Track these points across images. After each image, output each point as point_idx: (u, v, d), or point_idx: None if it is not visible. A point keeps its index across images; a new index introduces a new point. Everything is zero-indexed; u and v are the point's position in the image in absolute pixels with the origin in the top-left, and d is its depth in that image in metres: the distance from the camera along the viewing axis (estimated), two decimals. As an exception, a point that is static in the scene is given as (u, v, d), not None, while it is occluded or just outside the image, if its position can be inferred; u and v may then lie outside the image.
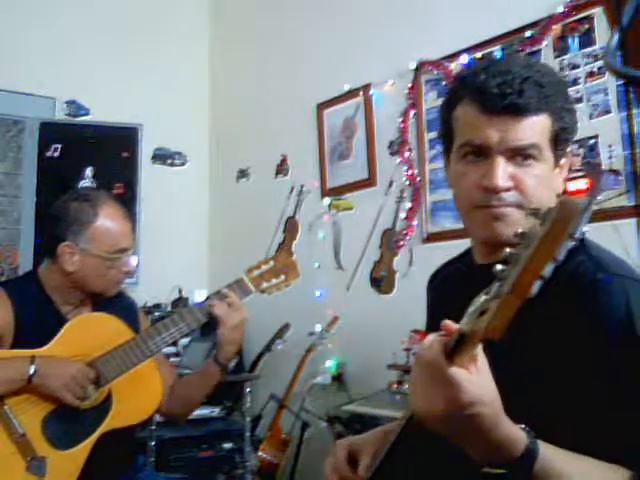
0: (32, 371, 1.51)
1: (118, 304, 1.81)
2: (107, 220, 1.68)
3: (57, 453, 1.54)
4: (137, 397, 1.65)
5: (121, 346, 1.63)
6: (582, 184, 2.25)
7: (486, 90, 0.94)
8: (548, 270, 0.60)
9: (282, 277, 1.78)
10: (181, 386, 1.82)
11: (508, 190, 0.94)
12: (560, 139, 0.97)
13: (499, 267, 0.64)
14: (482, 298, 0.66)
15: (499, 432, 0.73)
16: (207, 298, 1.71)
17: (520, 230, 0.64)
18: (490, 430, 0.73)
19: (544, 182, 0.96)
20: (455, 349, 0.70)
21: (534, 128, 0.94)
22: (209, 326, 1.79)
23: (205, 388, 1.77)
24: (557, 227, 0.60)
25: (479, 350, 0.71)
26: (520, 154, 0.94)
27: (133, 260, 1.74)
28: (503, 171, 0.93)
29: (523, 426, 0.76)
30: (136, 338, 1.66)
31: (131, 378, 1.62)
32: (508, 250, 0.64)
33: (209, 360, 1.75)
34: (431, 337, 0.74)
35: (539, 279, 0.61)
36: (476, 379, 0.70)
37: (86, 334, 1.65)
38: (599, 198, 2.20)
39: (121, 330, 1.68)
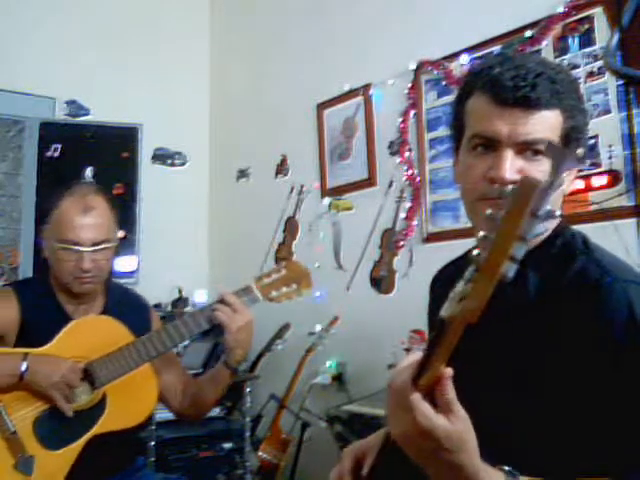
0: (24, 368, 1.51)
1: (131, 304, 1.81)
2: (64, 209, 1.66)
3: (46, 452, 1.54)
4: (131, 401, 1.64)
5: (119, 349, 1.62)
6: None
7: (499, 82, 0.93)
8: (519, 251, 0.60)
9: (293, 286, 1.72)
10: (193, 387, 1.81)
11: (515, 183, 0.93)
12: (571, 138, 0.95)
13: (475, 252, 0.64)
14: (460, 284, 0.66)
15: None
16: (211, 305, 1.68)
17: (489, 211, 0.64)
18: (458, 474, 0.74)
19: None
20: (420, 372, 0.71)
21: (545, 123, 0.93)
22: (213, 329, 1.77)
23: (216, 390, 1.76)
24: (517, 205, 0.60)
25: (455, 401, 0.72)
26: (529, 148, 0.93)
27: (88, 262, 1.64)
28: (511, 164, 0.93)
29: (505, 468, 0.77)
30: (135, 342, 1.64)
31: (127, 382, 1.61)
32: (482, 233, 0.63)
33: (220, 363, 1.73)
34: (404, 363, 0.76)
35: (509, 260, 0.60)
36: (443, 422, 0.71)
37: (85, 336, 1.65)
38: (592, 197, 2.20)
39: (121, 333, 1.67)
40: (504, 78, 0.93)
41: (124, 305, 1.78)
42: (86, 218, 1.66)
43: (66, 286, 1.68)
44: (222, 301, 1.65)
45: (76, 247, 1.64)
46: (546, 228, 0.95)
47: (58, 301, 1.70)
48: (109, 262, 1.73)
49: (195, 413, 1.85)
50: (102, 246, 1.67)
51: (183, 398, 1.81)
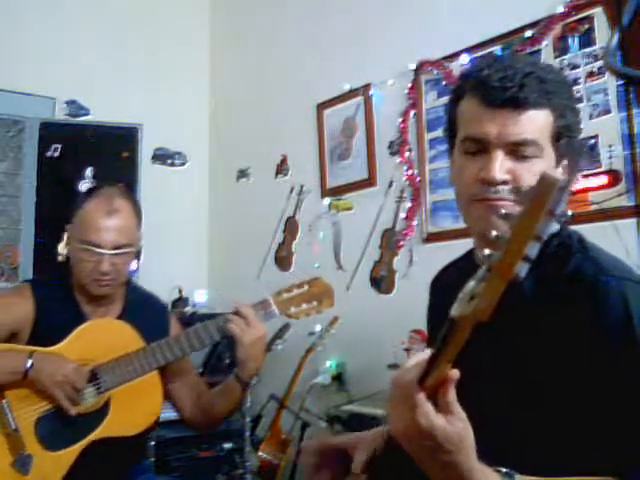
0: (29, 365, 1.51)
1: (150, 308, 1.80)
2: (88, 209, 1.65)
3: (45, 453, 1.54)
4: (134, 410, 1.63)
5: (128, 355, 1.61)
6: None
7: (488, 83, 0.94)
8: (533, 251, 0.60)
9: (314, 303, 1.70)
10: (206, 398, 1.79)
11: (505, 183, 0.94)
12: (563, 137, 0.96)
13: (487, 251, 0.64)
14: (471, 284, 0.66)
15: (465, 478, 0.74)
16: (225, 316, 1.65)
17: (504, 211, 0.64)
18: (455, 474, 0.74)
19: None
20: (428, 371, 0.71)
21: (534, 123, 0.93)
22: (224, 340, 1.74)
23: (227, 403, 1.73)
24: (535, 203, 0.59)
25: (455, 403, 0.72)
26: (519, 149, 0.94)
27: (107, 264, 1.62)
28: (501, 164, 0.93)
29: (502, 469, 0.77)
30: (145, 349, 1.63)
31: (132, 389, 1.61)
32: (494, 233, 0.63)
33: (231, 376, 1.70)
34: (412, 361, 0.76)
35: (523, 260, 0.60)
36: (442, 423, 0.71)
37: (96, 339, 1.64)
38: (594, 197, 2.20)
39: (133, 339, 1.66)
40: (492, 79, 0.94)
41: (143, 309, 1.77)
42: (110, 220, 1.64)
43: (84, 287, 1.68)
44: (237, 313, 1.62)
45: (97, 249, 1.62)
46: (557, 228, 0.95)
47: (76, 302, 1.69)
48: (128, 266, 1.71)
49: (205, 424, 1.84)
50: (123, 250, 1.65)
51: (194, 408, 1.79)
